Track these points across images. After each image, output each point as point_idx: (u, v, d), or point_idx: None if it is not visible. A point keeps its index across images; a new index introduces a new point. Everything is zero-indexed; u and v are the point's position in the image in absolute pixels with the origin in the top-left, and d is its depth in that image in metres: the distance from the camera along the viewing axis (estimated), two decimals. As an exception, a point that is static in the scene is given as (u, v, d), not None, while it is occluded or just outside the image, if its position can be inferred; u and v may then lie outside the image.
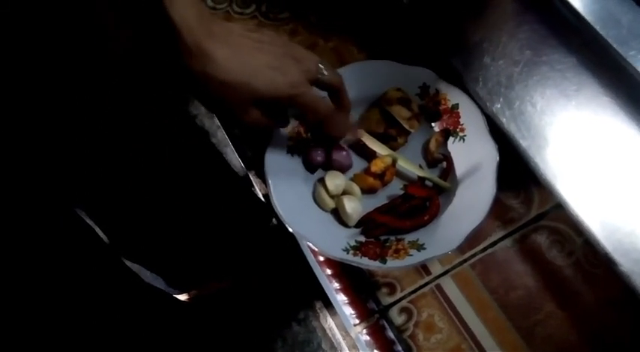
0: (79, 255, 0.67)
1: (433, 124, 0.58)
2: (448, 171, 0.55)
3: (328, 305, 0.55)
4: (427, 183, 0.55)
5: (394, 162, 0.55)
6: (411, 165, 0.55)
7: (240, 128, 0.59)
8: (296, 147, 0.57)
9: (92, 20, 0.48)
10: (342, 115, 0.52)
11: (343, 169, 0.56)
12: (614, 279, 0.43)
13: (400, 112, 0.55)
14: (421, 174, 0.55)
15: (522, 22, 0.50)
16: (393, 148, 0.56)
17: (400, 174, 0.56)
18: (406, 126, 0.55)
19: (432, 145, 0.56)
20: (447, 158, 0.56)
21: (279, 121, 0.55)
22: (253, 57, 0.46)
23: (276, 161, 0.55)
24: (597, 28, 0.44)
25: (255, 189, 0.70)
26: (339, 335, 0.60)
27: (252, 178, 0.64)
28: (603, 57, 0.45)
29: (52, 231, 0.63)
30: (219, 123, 0.70)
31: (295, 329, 1.06)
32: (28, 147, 0.58)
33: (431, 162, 0.56)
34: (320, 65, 0.49)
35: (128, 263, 0.87)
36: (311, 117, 0.50)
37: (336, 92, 0.52)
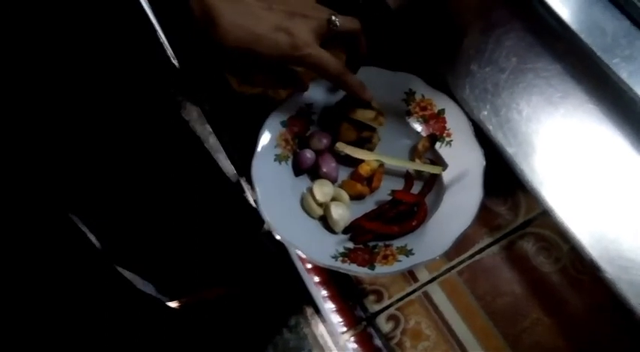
0: (71, 260, 0.67)
1: (419, 129, 0.58)
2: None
3: (319, 311, 0.55)
4: (420, 173, 0.56)
5: (380, 165, 0.55)
6: (398, 160, 0.56)
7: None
8: (283, 155, 0.57)
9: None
10: (353, 75, 0.51)
11: (330, 180, 0.56)
12: (601, 286, 0.43)
13: (365, 115, 0.55)
14: (409, 165, 0.56)
15: (508, 30, 0.50)
16: (372, 149, 0.57)
17: (388, 180, 0.56)
18: (375, 125, 0.56)
19: (420, 150, 0.56)
20: (435, 161, 0.56)
21: (296, 86, 0.54)
22: (260, 19, 0.45)
23: (264, 168, 0.55)
24: (582, 36, 0.45)
25: (247, 196, 0.70)
26: (330, 342, 0.60)
27: (243, 184, 0.64)
28: (588, 65, 0.45)
29: (45, 236, 0.63)
30: (210, 129, 0.70)
31: (286, 335, 1.06)
32: (23, 154, 0.58)
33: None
34: (332, 17, 0.48)
35: (120, 269, 0.87)
36: (322, 76, 0.50)
37: (354, 39, 0.50)
